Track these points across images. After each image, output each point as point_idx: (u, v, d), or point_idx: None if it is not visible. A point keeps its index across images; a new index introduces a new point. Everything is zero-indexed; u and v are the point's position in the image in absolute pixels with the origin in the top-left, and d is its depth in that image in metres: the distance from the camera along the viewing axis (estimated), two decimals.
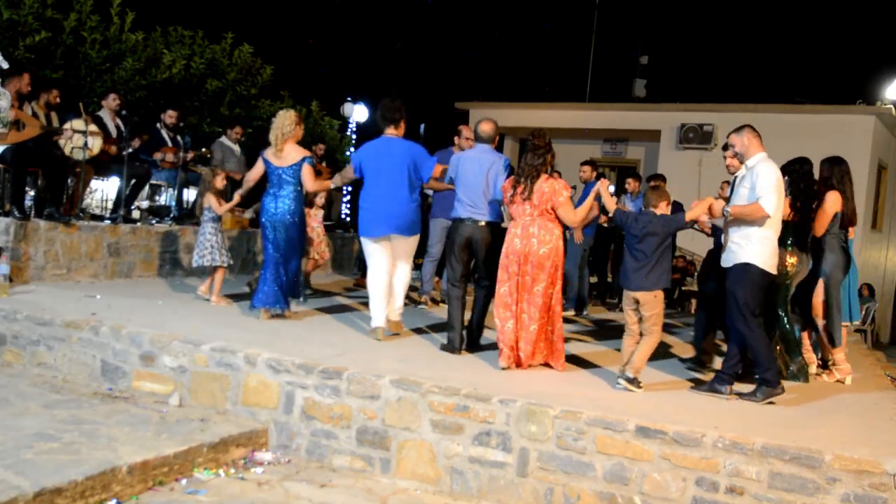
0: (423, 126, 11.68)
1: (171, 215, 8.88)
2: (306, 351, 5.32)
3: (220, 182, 7.21)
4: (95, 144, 7.83)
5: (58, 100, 7.85)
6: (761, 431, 4.29)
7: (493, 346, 5.77)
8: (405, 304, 6.67)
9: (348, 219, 13.16)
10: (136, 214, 9.07)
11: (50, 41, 8.82)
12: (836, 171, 6.08)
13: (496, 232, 5.91)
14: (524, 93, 23.29)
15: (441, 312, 7.47)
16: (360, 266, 9.82)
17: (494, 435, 4.49)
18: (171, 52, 10.48)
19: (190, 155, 8.98)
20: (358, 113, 21.17)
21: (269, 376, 5.01)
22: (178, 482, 4.23)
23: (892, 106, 15.92)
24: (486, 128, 6.03)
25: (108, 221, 7.99)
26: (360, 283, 9.46)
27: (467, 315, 6.05)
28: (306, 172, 6.37)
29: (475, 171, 5.90)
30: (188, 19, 11.66)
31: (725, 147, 5.80)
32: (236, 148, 9.97)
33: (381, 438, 4.73)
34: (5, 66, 7.14)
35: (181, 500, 4.04)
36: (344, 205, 14.77)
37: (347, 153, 14.26)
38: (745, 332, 5.14)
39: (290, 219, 6.38)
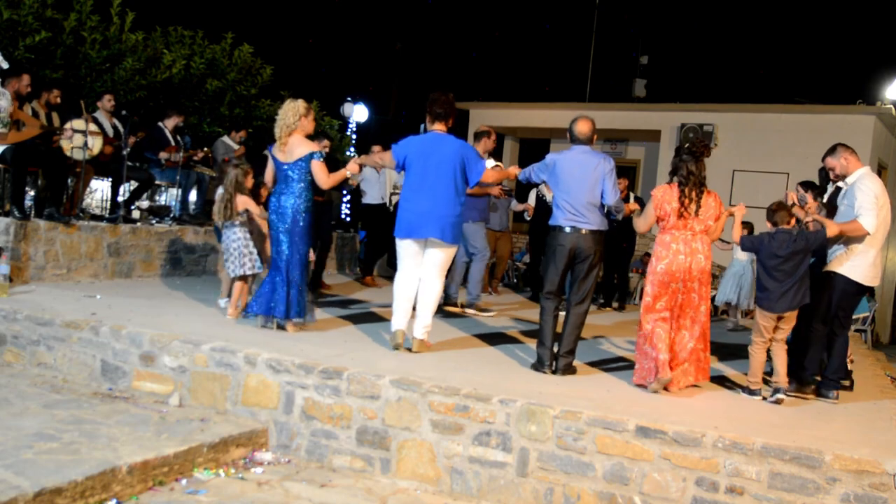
0: (423, 126, 11.68)
1: (171, 215, 8.88)
2: (306, 351, 5.32)
3: (251, 181, 6.49)
4: (95, 144, 7.84)
5: (58, 100, 7.85)
6: (761, 431, 4.29)
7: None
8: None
9: (348, 219, 13.16)
10: (136, 214, 9.07)
11: (50, 41, 8.81)
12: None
13: (601, 241, 5.49)
14: (524, 93, 23.31)
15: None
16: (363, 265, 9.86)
17: (494, 435, 4.49)
18: (171, 52, 10.47)
19: (200, 154, 8.99)
20: (358, 113, 21.18)
21: (269, 376, 5.01)
22: (178, 482, 4.22)
23: (892, 106, 15.90)
24: (583, 128, 5.53)
25: (107, 222, 7.99)
26: (367, 282, 9.55)
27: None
28: (317, 169, 5.87)
29: (576, 174, 5.44)
30: (188, 19, 11.65)
31: (831, 152, 5.71)
32: (238, 147, 9.99)
33: (381, 438, 4.73)
34: (5, 66, 7.14)
35: (181, 500, 4.04)
36: (344, 205, 14.78)
37: (348, 153, 14.26)
38: (825, 336, 5.46)
39: (293, 220, 5.89)
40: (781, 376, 5.18)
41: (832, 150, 5.58)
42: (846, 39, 23.87)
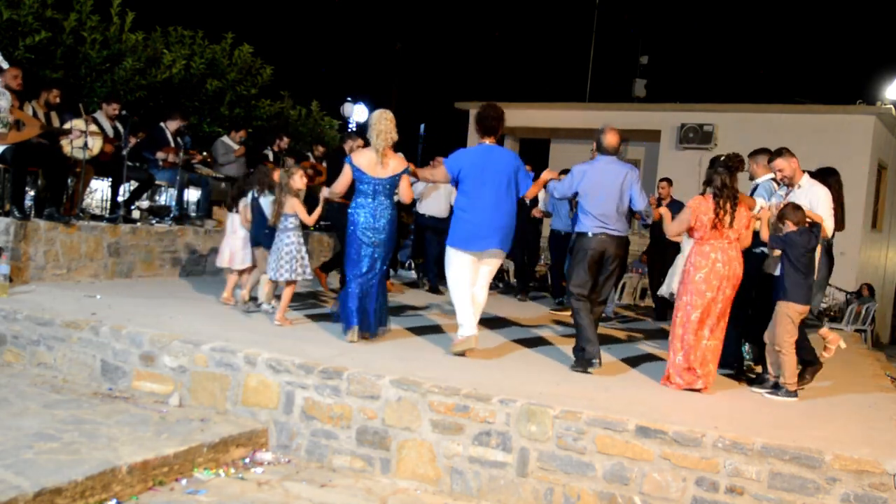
0: (423, 126, 11.66)
1: (171, 215, 8.88)
2: (306, 351, 5.32)
3: (300, 181, 6.38)
4: (95, 144, 7.84)
5: (58, 100, 7.85)
6: (761, 431, 4.29)
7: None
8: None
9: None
10: (136, 214, 9.07)
11: (50, 41, 8.82)
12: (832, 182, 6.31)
13: (625, 246, 5.76)
14: (524, 93, 23.32)
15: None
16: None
17: (494, 435, 4.49)
18: (171, 52, 10.48)
19: (199, 157, 8.99)
20: (358, 113, 21.19)
21: (269, 376, 5.01)
22: (178, 482, 4.23)
23: (892, 106, 15.94)
24: (611, 140, 5.78)
25: (107, 221, 7.98)
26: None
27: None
28: (406, 183, 5.97)
29: (605, 183, 5.67)
30: (188, 19, 11.67)
31: (778, 153, 5.89)
32: (238, 147, 10.00)
33: (381, 438, 4.73)
34: (5, 66, 7.14)
35: (181, 500, 4.04)
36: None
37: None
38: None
39: (388, 234, 5.89)
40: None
41: (779, 153, 5.77)
42: (846, 39, 23.90)
